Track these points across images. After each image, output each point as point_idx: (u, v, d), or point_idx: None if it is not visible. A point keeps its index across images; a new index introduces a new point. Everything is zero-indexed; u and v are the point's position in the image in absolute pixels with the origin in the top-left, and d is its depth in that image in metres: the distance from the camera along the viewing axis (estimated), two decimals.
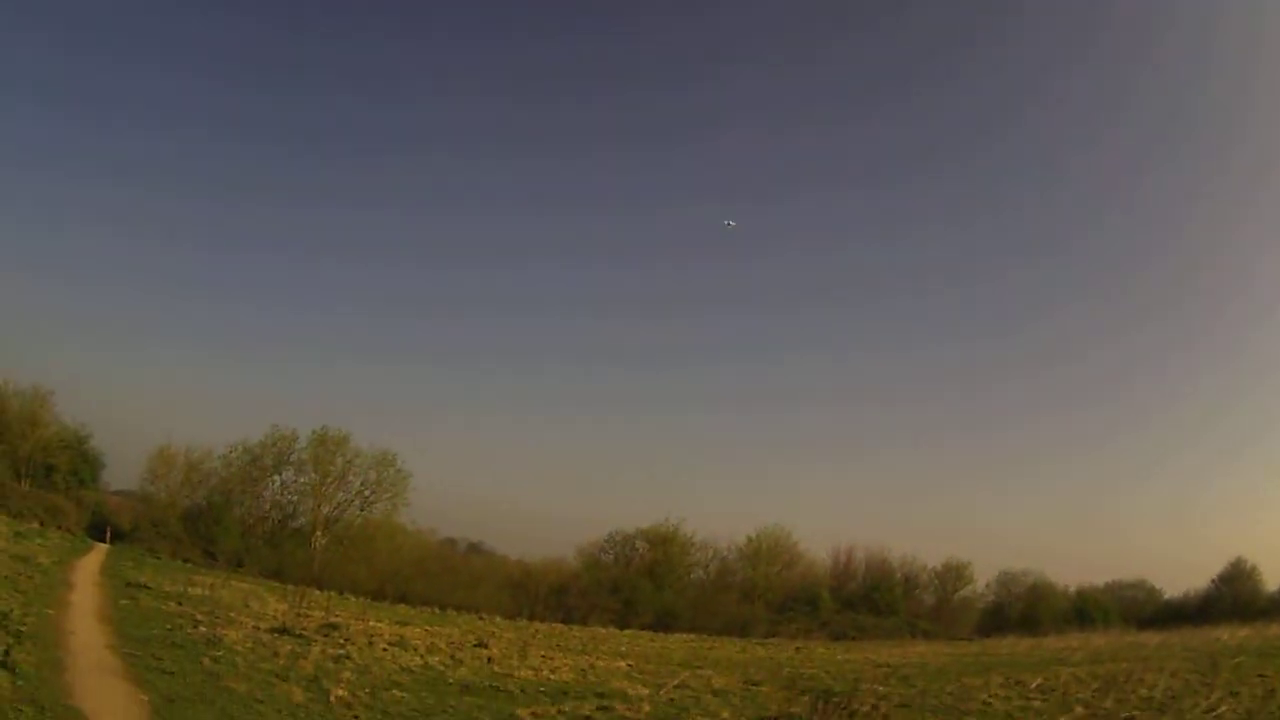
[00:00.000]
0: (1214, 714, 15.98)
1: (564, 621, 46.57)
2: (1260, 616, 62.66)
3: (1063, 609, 72.43)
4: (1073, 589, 77.33)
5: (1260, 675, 22.84)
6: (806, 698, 15.71)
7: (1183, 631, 53.84)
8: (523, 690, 16.17)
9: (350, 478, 52.52)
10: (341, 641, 19.29)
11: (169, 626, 18.13)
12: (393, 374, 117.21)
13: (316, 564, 46.92)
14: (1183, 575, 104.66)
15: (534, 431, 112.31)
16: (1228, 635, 45.38)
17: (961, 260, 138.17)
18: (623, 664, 24.05)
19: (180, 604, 22.67)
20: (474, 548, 62.64)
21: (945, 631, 61.92)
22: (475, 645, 24.33)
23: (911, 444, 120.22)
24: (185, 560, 43.72)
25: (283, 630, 19.67)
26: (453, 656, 20.39)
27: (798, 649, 41.11)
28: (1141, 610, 78.70)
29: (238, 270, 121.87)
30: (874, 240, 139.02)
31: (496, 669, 18.93)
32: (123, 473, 61.09)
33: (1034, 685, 22.19)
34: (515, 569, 55.46)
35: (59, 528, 42.45)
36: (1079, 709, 17.66)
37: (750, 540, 63.99)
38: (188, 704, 11.25)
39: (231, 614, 21.70)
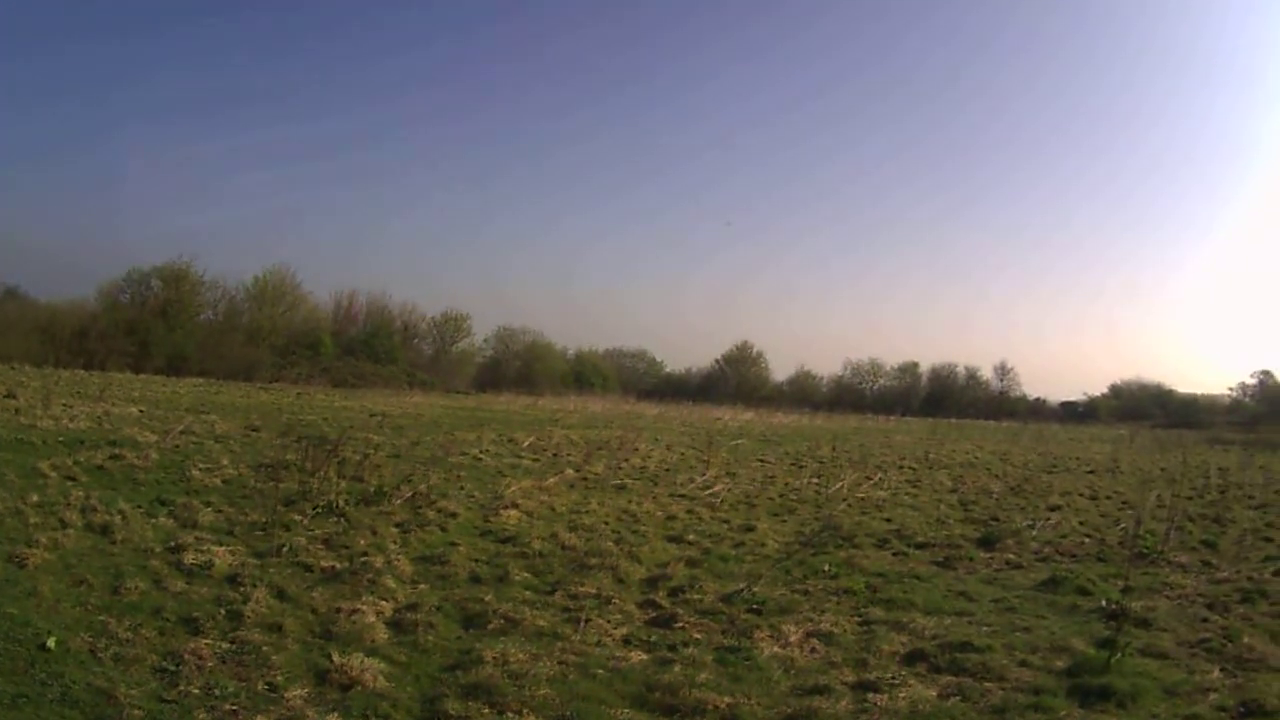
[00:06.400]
0: (709, 491, 16.34)
1: (85, 367, 44.64)
2: (766, 403, 65.86)
3: (561, 370, 73.65)
4: (572, 351, 78.77)
5: (761, 460, 23.49)
6: (300, 444, 15.96)
7: (683, 407, 55.38)
8: (44, 441, 15.82)
9: None
10: None
11: None
12: None
13: None
14: (685, 357, 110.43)
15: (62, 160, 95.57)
16: (730, 416, 47.57)
17: None
18: (135, 410, 23.51)
19: None
20: (10, 293, 56.45)
21: (443, 383, 62.82)
22: (5, 396, 23.36)
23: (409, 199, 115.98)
24: None
25: None
26: None
27: (299, 394, 40.86)
28: (642, 381, 79.96)
29: None
30: None
31: (23, 420, 18.33)
32: None
33: (526, 444, 22.54)
34: (42, 313, 51.91)
35: None
36: (569, 471, 17.91)
37: (256, 280, 62.07)
38: None
39: None
